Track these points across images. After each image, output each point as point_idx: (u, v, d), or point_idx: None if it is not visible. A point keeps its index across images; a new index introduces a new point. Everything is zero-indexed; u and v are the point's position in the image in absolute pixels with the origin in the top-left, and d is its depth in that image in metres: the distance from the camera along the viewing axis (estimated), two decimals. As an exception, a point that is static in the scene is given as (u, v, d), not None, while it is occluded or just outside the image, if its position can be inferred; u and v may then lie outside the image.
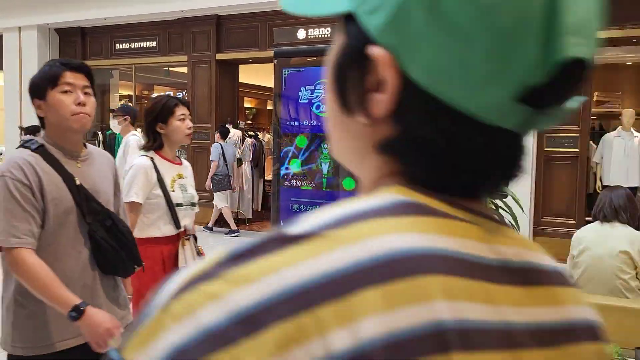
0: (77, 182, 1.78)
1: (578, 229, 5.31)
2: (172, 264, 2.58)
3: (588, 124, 6.62)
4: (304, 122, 3.75)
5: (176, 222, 2.59)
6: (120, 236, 1.86)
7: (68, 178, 1.76)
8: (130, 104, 5.74)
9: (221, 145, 8.01)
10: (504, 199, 3.68)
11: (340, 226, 0.37)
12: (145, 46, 9.26)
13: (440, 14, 0.39)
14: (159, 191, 2.55)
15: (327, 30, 7.75)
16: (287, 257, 0.35)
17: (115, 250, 1.84)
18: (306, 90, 3.71)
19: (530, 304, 0.42)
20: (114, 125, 5.19)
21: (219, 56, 8.54)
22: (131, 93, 10.02)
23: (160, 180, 2.56)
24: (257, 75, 10.66)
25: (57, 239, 1.74)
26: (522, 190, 5.31)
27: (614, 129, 7.46)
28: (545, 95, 0.40)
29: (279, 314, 0.32)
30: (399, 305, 0.34)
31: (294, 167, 3.80)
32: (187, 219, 2.69)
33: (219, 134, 8.18)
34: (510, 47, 0.38)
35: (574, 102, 0.44)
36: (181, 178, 2.72)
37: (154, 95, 11.08)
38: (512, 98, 0.40)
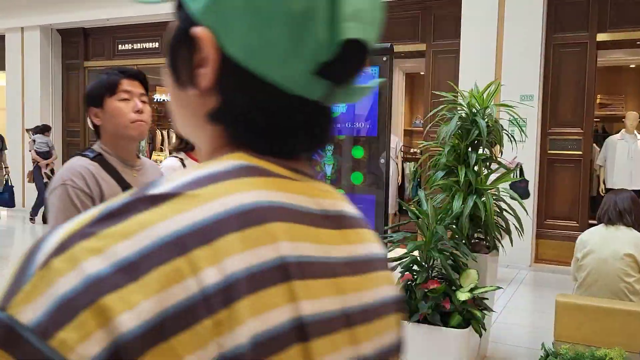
0: None
1: (581, 231, 5.29)
2: None
3: (591, 127, 6.60)
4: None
5: None
6: None
7: (127, 188, 1.71)
8: None
9: None
10: (507, 202, 3.67)
11: (198, 187, 0.44)
12: (147, 47, 9.26)
13: None
14: None
15: (330, 32, 7.75)
16: (158, 213, 0.41)
17: None
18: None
19: (344, 242, 0.53)
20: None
21: (222, 57, 8.54)
22: (133, 94, 10.02)
23: None
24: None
25: None
26: (525, 192, 5.30)
27: (617, 132, 7.44)
28: (337, 71, 0.50)
29: (158, 260, 0.38)
30: (253, 246, 0.43)
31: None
32: None
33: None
34: (303, 29, 0.47)
35: (371, 83, 0.57)
36: None
37: (156, 96, 11.07)
38: (310, 72, 0.49)
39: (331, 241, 0.52)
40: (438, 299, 3.00)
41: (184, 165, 2.59)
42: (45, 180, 8.41)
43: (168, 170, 2.54)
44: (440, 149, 3.69)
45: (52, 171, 8.69)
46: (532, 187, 6.19)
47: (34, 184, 8.56)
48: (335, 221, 0.54)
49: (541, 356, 2.87)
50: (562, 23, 6.41)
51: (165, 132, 10.09)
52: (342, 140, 3.70)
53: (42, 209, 8.05)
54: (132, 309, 0.36)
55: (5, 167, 8.66)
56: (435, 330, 3.00)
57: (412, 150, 9.55)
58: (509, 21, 6.34)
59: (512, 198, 5.26)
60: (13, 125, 9.94)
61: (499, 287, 3.38)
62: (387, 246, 3.46)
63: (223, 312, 0.40)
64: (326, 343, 0.47)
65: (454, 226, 3.45)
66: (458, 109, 3.68)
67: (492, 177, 3.63)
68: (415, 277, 3.16)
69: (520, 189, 5.45)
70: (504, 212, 3.66)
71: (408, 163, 8.95)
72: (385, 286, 0.57)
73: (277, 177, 0.50)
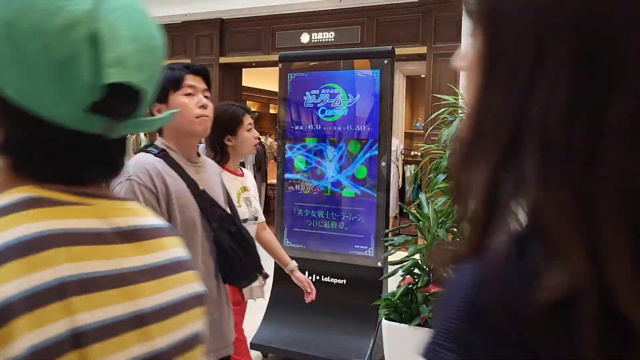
0: (201, 188, 1.71)
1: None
2: None
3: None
4: (309, 127, 3.74)
5: None
6: (244, 242, 1.77)
7: (192, 184, 1.69)
8: None
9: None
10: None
11: None
12: (148, 49, 9.26)
13: (16, 47, 0.55)
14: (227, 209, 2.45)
15: (331, 35, 7.76)
16: None
17: (240, 258, 1.74)
18: (311, 94, 3.70)
19: (139, 253, 0.61)
20: None
21: (223, 60, 8.55)
22: (134, 96, 10.02)
23: (228, 197, 2.38)
24: (260, 78, 10.67)
25: (189, 250, 1.67)
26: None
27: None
28: (109, 108, 0.57)
29: None
30: (32, 272, 0.51)
31: (299, 171, 3.79)
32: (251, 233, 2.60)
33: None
34: (68, 74, 0.55)
35: (161, 116, 0.69)
36: (246, 191, 2.57)
37: (157, 98, 11.09)
38: (84, 110, 0.56)
39: (123, 254, 0.60)
40: (439, 302, 2.99)
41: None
42: None
43: None
44: (442, 151, 3.68)
45: None
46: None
47: None
48: (128, 236, 0.62)
49: None
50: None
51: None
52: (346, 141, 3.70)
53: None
54: None
55: None
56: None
57: (412, 153, 9.55)
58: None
59: None
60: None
61: (500, 291, 3.37)
62: (388, 249, 3.46)
63: (1, 330, 0.49)
64: (109, 345, 0.55)
65: (455, 229, 3.45)
66: (459, 112, 3.68)
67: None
68: (417, 280, 3.16)
69: None
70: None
71: (408, 166, 8.95)
72: (187, 285, 0.65)
73: (64, 205, 0.58)
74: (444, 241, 0.45)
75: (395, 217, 8.06)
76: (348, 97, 3.62)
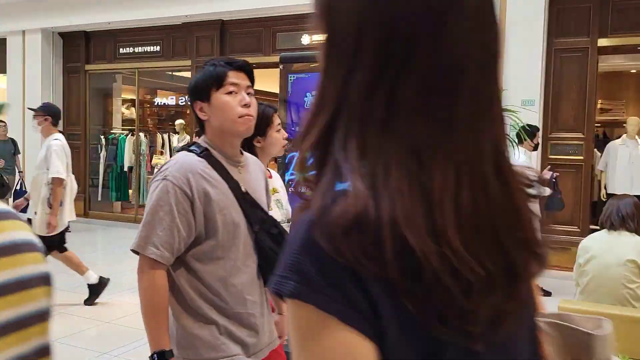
0: (243, 189, 1.66)
1: (582, 237, 5.28)
2: None
3: (592, 132, 6.60)
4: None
5: None
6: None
7: (234, 185, 1.64)
8: (52, 103, 5.12)
9: None
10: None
11: None
12: (149, 50, 9.27)
13: None
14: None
15: (331, 36, 7.75)
16: None
17: None
18: (312, 95, 3.70)
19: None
20: (34, 125, 4.82)
21: (223, 61, 8.54)
22: (134, 97, 10.02)
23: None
24: (259, 79, 10.63)
25: (229, 252, 1.61)
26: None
27: (617, 137, 7.44)
28: None
29: None
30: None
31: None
32: None
33: (197, 136, 8.28)
34: None
35: None
36: (276, 193, 2.50)
37: (156, 100, 11.08)
38: None
39: None
40: (440, 304, 2.99)
41: None
42: None
43: None
44: (443, 153, 3.69)
45: None
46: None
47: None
48: None
49: (544, 362, 2.86)
50: (564, 28, 6.42)
51: (166, 136, 10.08)
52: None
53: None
54: None
55: (19, 172, 8.39)
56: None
57: (412, 155, 9.55)
58: (510, 26, 6.34)
59: (547, 210, 5.27)
60: (14, 129, 9.93)
61: (501, 293, 3.36)
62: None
63: None
64: None
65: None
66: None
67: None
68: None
69: (557, 200, 5.46)
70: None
71: (409, 167, 8.96)
72: (32, 265, 0.65)
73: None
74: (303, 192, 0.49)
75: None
76: (349, 99, 3.62)
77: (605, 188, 7.10)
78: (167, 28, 8.90)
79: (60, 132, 4.93)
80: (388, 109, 0.52)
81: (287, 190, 3.81)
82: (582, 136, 6.37)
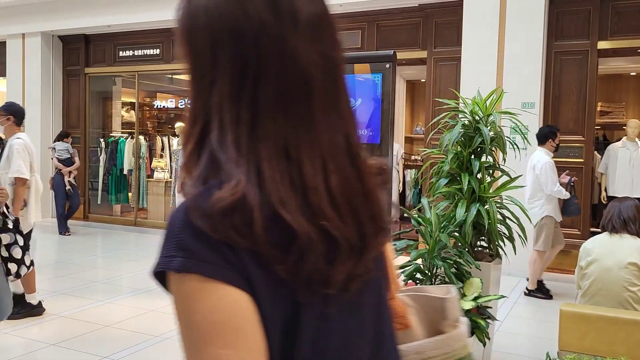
0: None
1: (583, 239, 5.26)
2: None
3: (592, 134, 6.60)
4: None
5: None
6: None
7: None
8: (16, 102, 4.98)
9: None
10: (510, 210, 3.65)
11: None
12: (148, 53, 9.27)
13: None
14: None
15: (331, 39, 7.75)
16: None
17: None
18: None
19: None
20: None
21: (223, 64, 8.54)
22: (134, 100, 10.01)
23: None
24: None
25: None
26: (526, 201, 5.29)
27: (617, 140, 7.43)
28: None
29: None
30: None
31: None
32: None
33: None
34: None
35: None
36: None
37: (156, 103, 11.07)
38: None
39: None
40: (442, 307, 2.97)
41: None
42: (68, 187, 8.21)
43: None
44: (443, 156, 3.67)
45: (75, 179, 8.47)
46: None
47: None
48: None
49: (546, 366, 2.85)
50: (563, 30, 6.42)
51: (166, 139, 10.07)
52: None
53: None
54: None
55: None
56: (438, 339, 2.97)
57: (412, 158, 9.54)
58: (510, 28, 6.34)
59: (565, 215, 5.25)
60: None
61: (502, 296, 3.35)
62: (390, 254, 3.44)
63: None
64: None
65: (457, 234, 3.43)
66: (460, 116, 3.67)
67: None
68: (419, 285, 3.14)
69: (574, 205, 5.45)
70: (508, 221, 3.64)
71: (409, 170, 8.94)
72: None
73: None
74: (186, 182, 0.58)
75: (396, 221, 8.03)
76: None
77: (605, 190, 7.10)
78: (167, 31, 8.90)
79: (23, 131, 4.78)
80: (253, 112, 0.61)
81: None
82: (582, 139, 6.37)
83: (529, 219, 3.85)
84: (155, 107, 11.16)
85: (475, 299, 3.00)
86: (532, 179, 5.35)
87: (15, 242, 3.22)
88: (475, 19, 6.50)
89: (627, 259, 3.18)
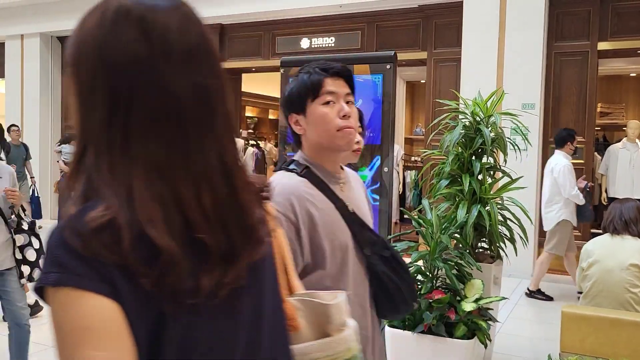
0: (350, 209, 1.49)
1: (584, 240, 5.25)
2: None
3: (593, 135, 6.59)
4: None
5: None
6: (399, 269, 1.52)
7: (341, 206, 1.48)
8: None
9: None
10: (511, 211, 3.64)
11: None
12: (148, 54, 9.25)
13: None
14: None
15: (331, 40, 7.75)
16: None
17: (398, 287, 1.50)
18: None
19: None
20: None
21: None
22: (133, 101, 10.01)
23: None
24: (258, 83, 10.66)
25: (338, 282, 1.44)
26: (526, 201, 5.27)
27: (617, 141, 7.43)
28: None
29: None
30: None
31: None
32: None
33: None
34: None
35: None
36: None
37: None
38: None
39: None
40: (443, 309, 2.96)
41: None
42: None
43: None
44: (444, 157, 3.67)
45: None
46: (534, 196, 6.16)
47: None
48: None
49: (548, 368, 2.84)
50: (564, 31, 6.42)
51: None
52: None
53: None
54: None
55: (31, 177, 8.19)
56: (440, 341, 2.97)
57: (412, 159, 9.53)
58: (510, 29, 6.34)
59: (579, 220, 5.19)
60: (12, 133, 9.90)
61: (504, 298, 3.34)
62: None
63: None
64: None
65: (458, 235, 3.42)
66: (461, 117, 3.66)
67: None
68: (420, 287, 3.13)
69: (588, 211, 5.43)
70: (509, 222, 3.63)
71: (409, 171, 8.93)
72: None
73: None
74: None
75: (396, 223, 8.03)
76: (350, 102, 3.60)
77: (606, 192, 7.09)
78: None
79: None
80: (125, 138, 0.66)
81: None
82: (583, 140, 6.36)
83: (530, 220, 3.84)
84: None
85: (476, 300, 3.00)
86: (550, 182, 5.33)
87: (30, 244, 3.21)
88: (475, 20, 6.49)
89: (628, 260, 3.17)
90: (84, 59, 0.69)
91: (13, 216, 3.18)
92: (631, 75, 9.29)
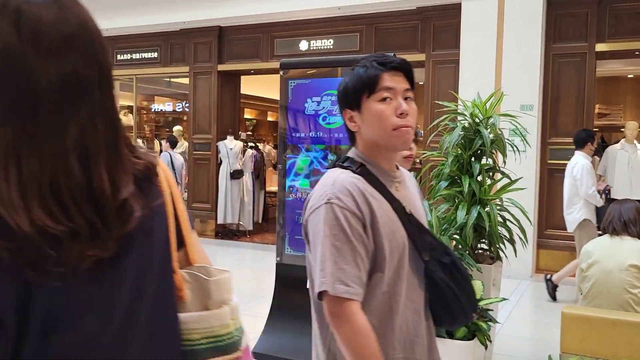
0: (408, 210, 1.41)
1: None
2: None
3: (591, 136, 6.61)
4: (310, 134, 3.72)
5: None
6: (459, 277, 1.43)
7: (397, 206, 1.40)
8: None
9: (170, 154, 8.31)
10: (511, 212, 3.64)
11: None
12: (146, 57, 9.26)
13: None
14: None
15: (330, 42, 7.76)
16: None
17: (457, 296, 1.41)
18: (312, 101, 3.68)
19: None
20: None
21: (221, 67, 8.54)
22: (132, 104, 10.00)
23: None
24: (257, 86, 10.67)
25: (394, 285, 1.37)
26: (525, 202, 5.29)
27: (615, 142, 7.45)
28: None
29: None
30: None
31: (300, 178, 3.77)
32: None
33: (168, 143, 8.53)
34: None
35: None
36: None
37: (153, 106, 11.06)
38: None
39: None
40: (443, 310, 2.96)
41: None
42: None
43: None
44: (443, 158, 3.67)
45: None
46: (533, 197, 6.18)
47: None
48: None
49: (548, 369, 2.84)
50: (561, 33, 6.44)
51: (163, 142, 10.06)
52: (344, 150, 3.68)
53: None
54: None
55: None
56: (440, 342, 2.95)
57: (411, 160, 9.54)
58: (508, 31, 6.36)
59: (598, 223, 5.18)
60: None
61: (504, 299, 3.35)
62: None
63: None
64: None
65: (458, 236, 3.43)
66: (460, 118, 3.67)
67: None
68: (420, 288, 3.13)
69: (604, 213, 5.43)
70: (508, 222, 3.64)
71: (407, 173, 8.95)
72: None
73: None
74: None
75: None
76: (349, 104, 3.60)
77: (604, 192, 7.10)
78: (165, 34, 8.90)
79: None
80: (16, 144, 0.71)
81: (288, 196, 3.80)
82: (581, 141, 6.38)
83: (530, 221, 3.85)
84: (153, 110, 11.16)
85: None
86: (569, 182, 5.36)
87: None
88: (473, 22, 6.51)
89: (628, 261, 3.18)
90: None
91: None
92: (629, 76, 9.32)
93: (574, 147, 5.73)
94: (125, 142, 0.83)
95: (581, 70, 6.37)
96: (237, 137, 8.81)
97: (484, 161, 3.60)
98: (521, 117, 3.77)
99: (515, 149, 3.73)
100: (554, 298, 5.40)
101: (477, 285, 3.09)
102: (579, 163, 5.30)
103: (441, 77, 7.01)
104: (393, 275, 1.36)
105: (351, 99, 1.42)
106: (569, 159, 6.47)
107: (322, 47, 7.79)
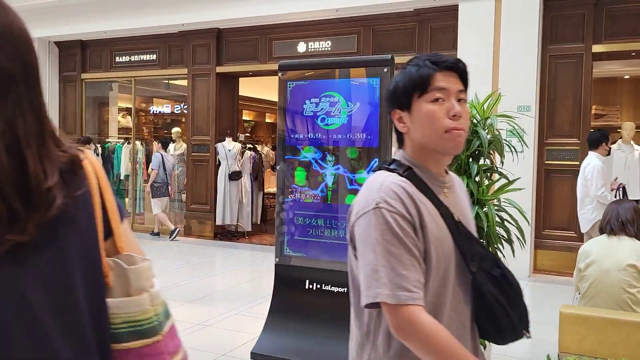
0: (456, 217, 1.34)
1: (579, 242, 5.28)
2: None
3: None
4: (309, 135, 3.73)
5: None
6: (510, 291, 1.37)
7: (445, 212, 1.33)
8: None
9: (161, 155, 8.48)
10: (509, 212, 3.66)
11: None
12: (145, 59, 9.27)
13: None
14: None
15: (328, 44, 7.78)
16: None
17: (506, 310, 1.35)
18: (311, 102, 3.70)
19: None
20: None
21: (219, 69, 8.56)
22: (130, 106, 10.00)
23: None
24: (255, 87, 10.68)
25: (439, 296, 1.30)
26: (523, 203, 5.31)
27: (612, 142, 7.48)
28: None
29: None
30: None
31: (299, 179, 3.78)
32: None
33: (159, 144, 8.68)
34: None
35: None
36: None
37: (152, 108, 11.07)
38: None
39: None
40: (442, 310, 2.97)
41: None
42: None
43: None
44: (442, 159, 3.68)
45: None
46: (530, 198, 6.20)
47: None
48: None
49: (546, 368, 2.85)
50: (558, 34, 6.47)
51: (156, 143, 10.07)
52: (342, 150, 3.69)
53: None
54: None
55: None
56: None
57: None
58: (505, 32, 6.38)
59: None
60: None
61: (502, 298, 3.35)
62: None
63: None
64: None
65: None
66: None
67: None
68: (418, 288, 3.14)
69: None
70: (506, 223, 3.66)
71: (405, 174, 8.97)
72: None
73: None
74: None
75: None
76: (348, 105, 3.62)
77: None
78: (164, 36, 8.91)
79: None
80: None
81: (287, 197, 3.81)
82: (578, 141, 6.41)
83: (528, 222, 3.86)
84: (151, 112, 11.16)
85: (475, 301, 3.01)
86: (581, 183, 5.39)
87: None
88: (470, 24, 6.53)
89: (625, 260, 3.19)
90: None
91: None
92: (625, 77, 9.35)
93: (571, 147, 5.76)
94: (51, 136, 0.87)
95: (578, 71, 6.40)
96: (235, 139, 8.82)
97: (481, 162, 3.61)
98: (518, 118, 3.79)
99: (512, 149, 3.75)
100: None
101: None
102: (590, 164, 5.34)
103: (439, 78, 7.02)
104: (438, 285, 1.30)
105: (401, 99, 1.35)
106: (566, 160, 6.50)
107: (320, 49, 7.80)
